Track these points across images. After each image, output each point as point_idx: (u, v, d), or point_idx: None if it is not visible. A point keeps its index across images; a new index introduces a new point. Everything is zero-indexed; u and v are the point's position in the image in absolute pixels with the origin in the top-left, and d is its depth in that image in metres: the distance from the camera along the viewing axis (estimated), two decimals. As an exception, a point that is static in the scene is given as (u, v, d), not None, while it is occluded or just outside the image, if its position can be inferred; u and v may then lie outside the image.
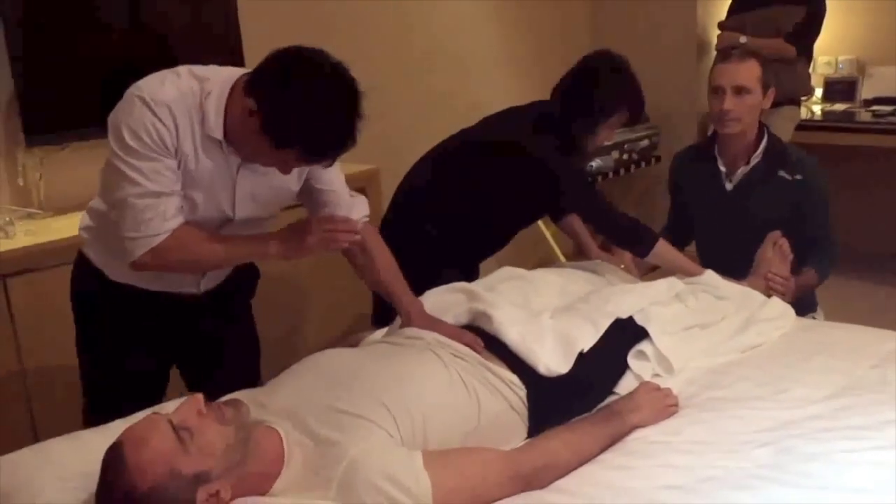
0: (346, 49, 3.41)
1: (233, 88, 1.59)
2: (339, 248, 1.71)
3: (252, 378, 1.98)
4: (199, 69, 1.63)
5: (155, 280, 1.76)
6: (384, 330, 1.97)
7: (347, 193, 1.89)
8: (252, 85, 1.54)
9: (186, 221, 1.63)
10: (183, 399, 1.38)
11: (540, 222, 3.40)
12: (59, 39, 2.46)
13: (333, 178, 1.85)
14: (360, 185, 2.93)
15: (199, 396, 1.36)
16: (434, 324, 1.84)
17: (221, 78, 1.61)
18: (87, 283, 1.83)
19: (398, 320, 1.94)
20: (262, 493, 1.37)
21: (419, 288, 2.07)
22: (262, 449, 1.37)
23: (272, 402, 1.52)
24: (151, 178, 1.56)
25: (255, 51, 2.80)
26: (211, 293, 1.88)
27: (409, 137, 3.21)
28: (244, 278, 1.99)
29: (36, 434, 2.17)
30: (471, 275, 2.37)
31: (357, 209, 1.90)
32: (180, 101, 1.57)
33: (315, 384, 1.56)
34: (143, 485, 1.24)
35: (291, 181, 1.78)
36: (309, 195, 1.86)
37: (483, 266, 2.54)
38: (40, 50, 2.43)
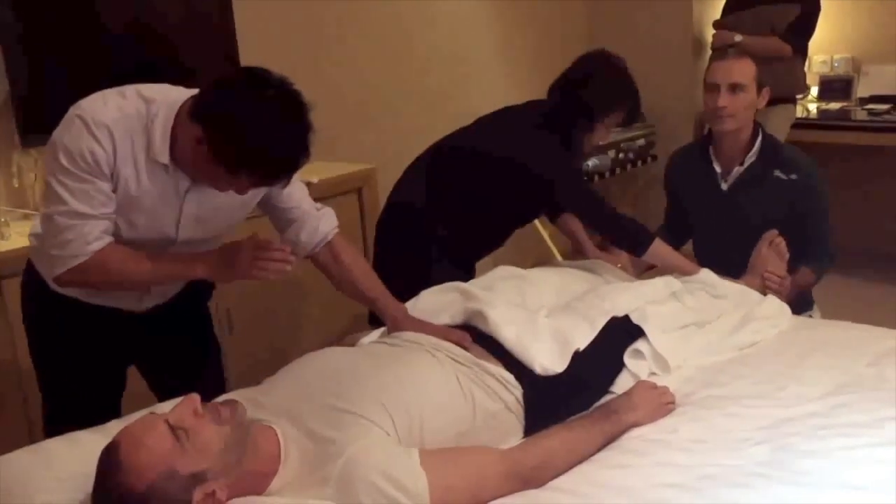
0: (343, 47, 3.45)
1: (179, 111, 1.57)
2: (267, 279, 1.65)
3: (216, 379, 1.98)
4: (147, 89, 1.60)
5: (95, 294, 1.74)
6: (381, 330, 1.97)
7: (314, 208, 1.88)
8: (197, 110, 1.51)
9: (117, 241, 1.61)
10: (179, 399, 1.38)
11: (537, 222, 3.39)
12: (54, 39, 2.46)
13: (294, 194, 1.84)
14: (356, 184, 2.94)
15: (196, 396, 1.36)
16: (420, 325, 1.85)
17: (169, 100, 1.59)
18: (34, 291, 1.81)
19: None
20: (259, 492, 1.37)
21: (415, 288, 2.07)
22: (258, 448, 1.37)
23: (269, 401, 1.52)
24: (79, 198, 1.55)
25: (251, 47, 2.83)
26: (158, 308, 1.86)
27: (406, 137, 3.21)
28: (197, 290, 1.95)
29: (32, 435, 2.16)
30: (467, 274, 2.36)
31: (325, 222, 1.89)
32: (122, 122, 1.55)
33: (312, 383, 1.55)
34: (139, 485, 1.24)
35: (241, 204, 1.76)
36: (273, 214, 1.87)
37: (479, 266, 2.54)
38: (35, 50, 2.42)
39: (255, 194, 1.76)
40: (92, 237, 1.57)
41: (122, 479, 1.25)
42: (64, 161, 1.53)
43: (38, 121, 2.43)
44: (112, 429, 1.45)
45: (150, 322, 1.84)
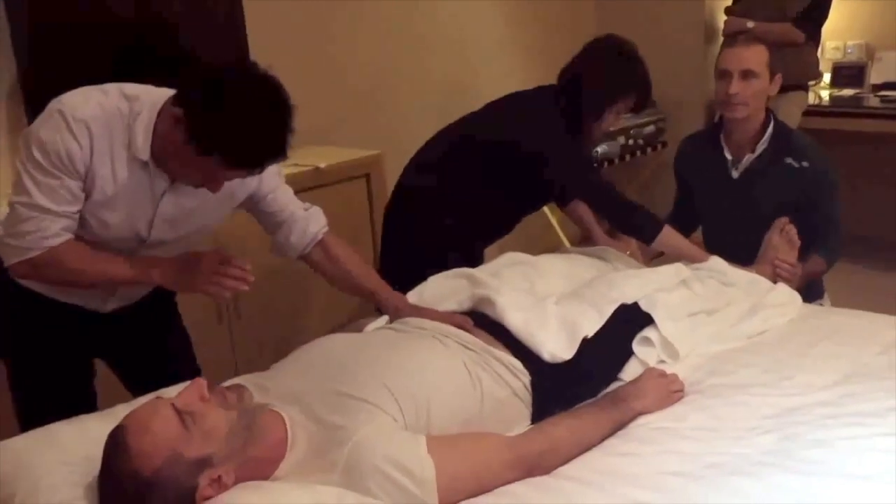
0: (350, 34, 3.44)
1: (163, 106, 1.57)
2: (221, 295, 1.63)
3: (190, 368, 1.97)
4: (131, 88, 1.60)
5: (56, 291, 1.73)
6: (386, 317, 1.97)
7: (301, 209, 1.88)
8: (180, 94, 1.52)
9: (87, 238, 1.61)
10: (186, 384, 1.38)
11: (546, 208, 3.38)
12: (63, 26, 2.45)
13: (280, 198, 1.84)
14: (364, 170, 2.93)
15: (203, 381, 1.36)
16: (422, 311, 1.85)
17: (152, 98, 1.59)
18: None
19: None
20: (266, 477, 1.37)
21: (422, 274, 2.06)
22: (265, 433, 1.37)
23: (276, 387, 1.52)
24: (44, 193, 1.54)
25: (261, 35, 2.82)
26: (123, 309, 1.85)
27: (414, 122, 3.20)
28: (161, 290, 1.93)
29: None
30: (475, 261, 2.36)
31: (313, 222, 1.89)
32: (101, 119, 1.55)
33: (319, 368, 1.56)
34: (146, 470, 1.24)
35: (218, 210, 1.76)
36: (261, 218, 1.87)
37: (487, 252, 2.54)
38: (44, 37, 2.42)
39: (231, 198, 1.75)
40: (49, 233, 1.56)
41: (128, 463, 1.25)
42: (37, 154, 1.53)
43: (47, 104, 2.44)
44: (119, 413, 1.46)
45: (114, 320, 1.84)
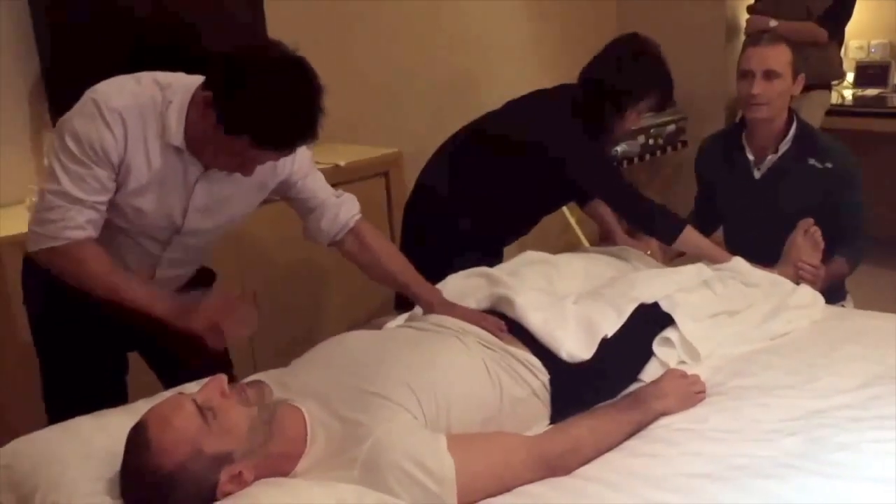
0: (369, 33, 3.44)
1: (194, 93, 1.57)
2: (218, 346, 1.63)
3: (223, 364, 1.93)
4: (163, 76, 1.61)
5: None
6: (405, 315, 1.96)
7: (332, 195, 1.87)
8: (210, 75, 1.52)
9: (123, 229, 1.62)
10: (206, 380, 1.38)
11: (564, 208, 3.37)
12: (85, 21, 2.47)
13: (311, 184, 1.83)
14: (383, 168, 2.93)
15: (223, 377, 1.36)
16: (454, 309, 1.83)
17: (184, 85, 1.59)
18: (34, 272, 1.78)
19: (419, 307, 1.93)
20: (286, 473, 1.37)
21: (442, 272, 2.06)
22: (285, 429, 1.37)
23: (296, 383, 1.52)
24: (73, 181, 1.55)
25: (280, 31, 2.80)
26: None
27: (433, 121, 3.20)
28: (197, 281, 1.93)
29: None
30: (495, 259, 2.35)
31: (345, 209, 1.87)
32: (135, 109, 1.56)
33: (340, 365, 1.56)
34: (167, 465, 1.25)
35: (251, 198, 1.76)
36: (293, 204, 1.86)
37: (506, 251, 2.53)
38: (66, 31, 2.44)
39: (263, 186, 1.75)
40: (73, 223, 1.56)
41: (149, 458, 1.25)
42: (69, 142, 1.54)
43: (70, 101, 2.43)
44: (140, 408, 1.46)
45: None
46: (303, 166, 1.81)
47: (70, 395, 1.80)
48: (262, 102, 1.46)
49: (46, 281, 1.70)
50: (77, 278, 1.62)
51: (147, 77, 1.60)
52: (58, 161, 1.56)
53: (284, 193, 1.83)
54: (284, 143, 1.53)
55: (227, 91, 1.48)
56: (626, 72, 2.28)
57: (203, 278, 1.96)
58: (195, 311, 1.59)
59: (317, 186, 1.85)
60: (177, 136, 1.58)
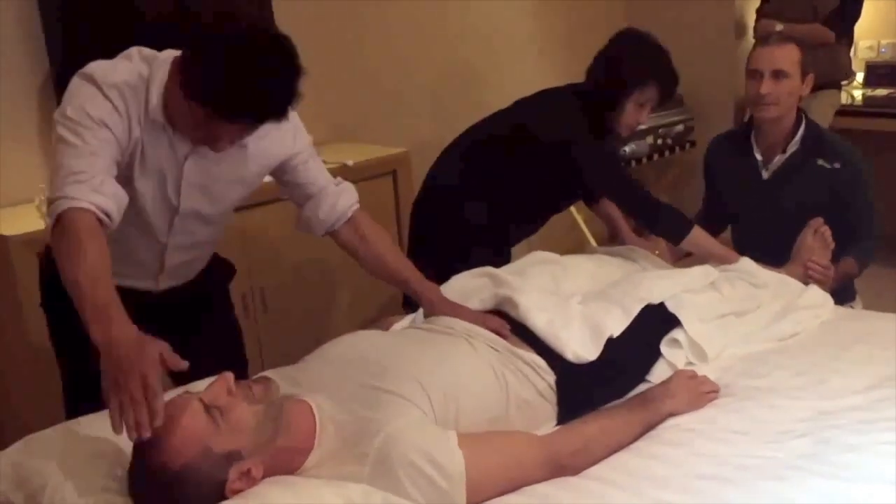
0: (378, 32, 3.44)
1: (171, 63, 1.54)
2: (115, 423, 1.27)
3: (238, 362, 1.95)
4: (149, 51, 1.59)
5: (113, 272, 1.63)
6: (412, 316, 1.95)
7: (332, 183, 1.84)
8: (184, 43, 1.50)
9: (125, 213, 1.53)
10: (213, 378, 1.38)
11: (572, 207, 3.37)
12: (94, 24, 2.47)
13: (310, 170, 1.80)
14: (391, 167, 2.94)
15: (229, 375, 1.36)
16: (457, 309, 1.82)
17: (167, 58, 1.56)
18: (49, 269, 1.73)
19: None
20: (295, 469, 1.37)
21: (449, 271, 2.06)
22: (293, 425, 1.37)
23: (305, 379, 1.53)
24: (79, 154, 1.46)
25: (287, 29, 2.81)
26: (173, 293, 1.82)
27: (441, 120, 3.20)
28: (216, 274, 1.92)
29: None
30: (502, 259, 2.35)
31: (343, 198, 1.84)
32: (130, 84, 1.53)
33: (349, 363, 1.56)
34: (175, 464, 1.25)
35: (247, 179, 1.72)
36: (290, 189, 1.83)
37: (515, 251, 2.53)
38: (75, 30, 2.44)
39: (260, 169, 1.72)
40: (76, 194, 1.42)
41: (157, 457, 1.25)
42: (73, 113, 1.48)
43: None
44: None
45: (167, 305, 1.80)
46: (303, 150, 1.78)
47: (88, 390, 1.79)
48: (220, 69, 1.42)
49: (58, 279, 1.69)
50: (65, 253, 1.41)
51: (135, 52, 1.58)
52: (61, 140, 1.47)
53: (283, 177, 1.79)
54: (237, 113, 1.46)
55: (193, 56, 1.45)
56: (620, 64, 2.28)
57: (222, 270, 1.94)
58: (118, 370, 1.27)
59: (317, 173, 1.81)
60: (156, 109, 1.54)
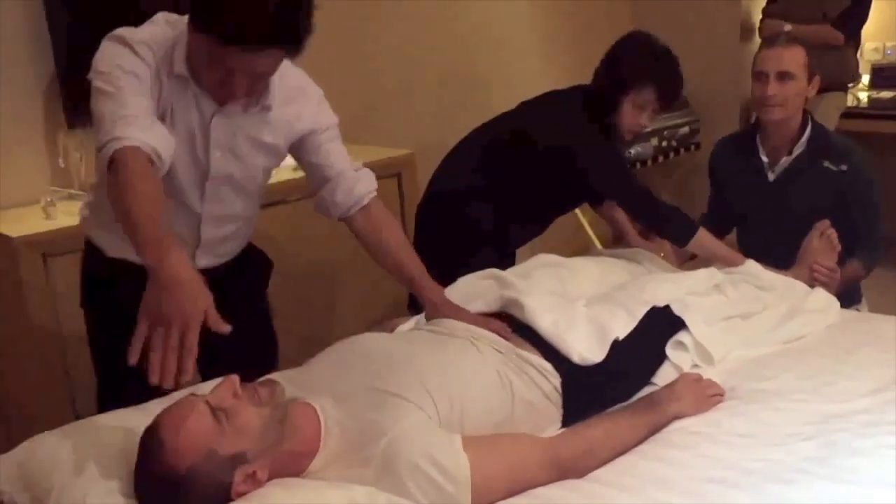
0: (383, 32, 3.43)
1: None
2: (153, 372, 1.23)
3: (267, 367, 1.91)
4: (174, 15, 1.62)
5: None
6: (417, 318, 1.95)
7: (351, 168, 1.83)
8: None
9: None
10: (218, 381, 1.38)
11: (577, 209, 3.36)
12: (100, 22, 2.47)
13: (331, 152, 1.79)
14: (395, 169, 2.93)
15: (235, 378, 1.36)
16: (459, 312, 1.82)
17: (187, 21, 1.57)
18: (90, 263, 1.80)
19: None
20: (300, 472, 1.37)
21: (454, 273, 2.06)
22: (298, 428, 1.37)
23: (310, 382, 1.53)
24: (115, 98, 1.47)
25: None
26: (211, 275, 1.77)
27: (446, 122, 3.20)
28: (254, 265, 1.92)
29: (76, 412, 2.20)
30: (508, 261, 2.35)
31: (362, 184, 1.84)
32: (157, 42, 1.56)
33: (354, 365, 1.56)
34: (181, 466, 1.25)
35: (270, 142, 1.70)
36: (309, 170, 1.83)
37: (519, 253, 2.52)
38: (82, 32, 2.44)
39: (288, 131, 1.71)
40: (122, 134, 1.42)
41: (163, 459, 1.26)
42: (102, 68, 1.51)
43: (85, 102, 2.46)
44: (153, 408, 1.46)
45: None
46: (329, 127, 1.78)
47: (119, 378, 1.76)
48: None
49: (101, 270, 1.70)
50: (119, 189, 1.38)
51: (160, 17, 1.62)
52: (97, 91, 1.49)
53: (305, 154, 1.79)
54: (242, 34, 1.43)
55: None
56: (620, 64, 2.29)
57: (259, 260, 1.94)
58: (171, 307, 1.23)
59: (338, 155, 1.81)
60: (179, 63, 1.56)
